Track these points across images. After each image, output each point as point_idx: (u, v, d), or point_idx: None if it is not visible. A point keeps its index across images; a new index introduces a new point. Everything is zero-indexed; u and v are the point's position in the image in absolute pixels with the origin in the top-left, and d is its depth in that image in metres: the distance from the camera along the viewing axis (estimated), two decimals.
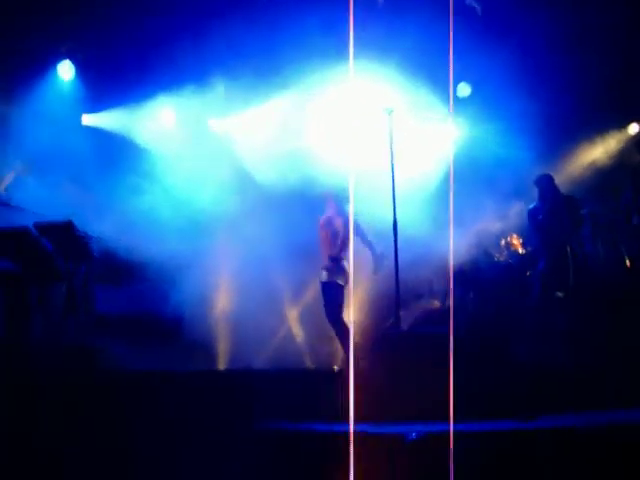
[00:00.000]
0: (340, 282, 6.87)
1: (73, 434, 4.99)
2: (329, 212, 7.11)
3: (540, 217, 7.72)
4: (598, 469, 4.20)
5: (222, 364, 7.75)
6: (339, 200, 7.05)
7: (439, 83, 7.68)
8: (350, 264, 6.00)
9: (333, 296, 6.86)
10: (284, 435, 4.77)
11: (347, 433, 3.78)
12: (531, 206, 7.94)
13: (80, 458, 4.87)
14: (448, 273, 8.43)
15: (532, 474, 4.13)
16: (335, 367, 7.08)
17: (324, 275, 6.94)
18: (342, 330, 6.80)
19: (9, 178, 7.21)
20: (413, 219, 7.49)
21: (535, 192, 8.16)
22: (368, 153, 7.19)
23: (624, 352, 6.23)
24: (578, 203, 8.04)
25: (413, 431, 3.85)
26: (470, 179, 7.84)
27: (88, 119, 8.65)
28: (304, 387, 5.58)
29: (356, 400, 3.79)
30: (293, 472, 4.53)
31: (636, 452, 4.33)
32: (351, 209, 3.84)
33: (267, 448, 4.74)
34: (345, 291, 6.87)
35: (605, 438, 4.41)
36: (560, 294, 7.81)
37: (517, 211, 8.63)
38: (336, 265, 6.90)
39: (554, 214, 7.69)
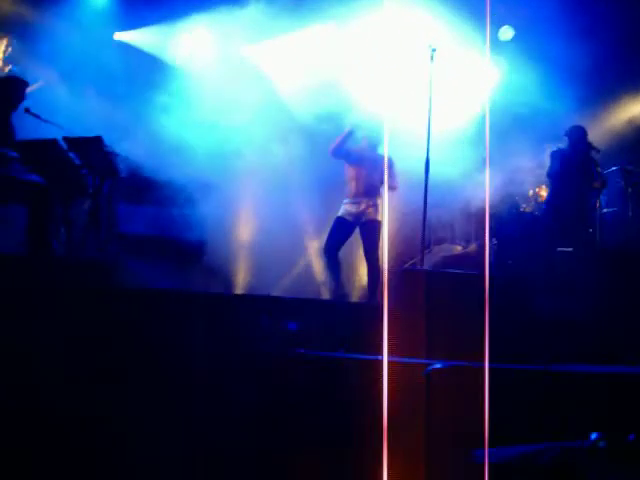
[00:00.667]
0: (346, 218, 6.84)
1: (83, 346, 5.03)
2: (359, 147, 7.02)
3: (566, 163, 7.46)
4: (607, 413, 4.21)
5: (240, 290, 7.79)
6: (371, 137, 6.98)
7: (483, 23, 7.47)
8: (385, 203, 5.95)
9: (331, 230, 6.88)
10: (296, 359, 4.80)
11: (368, 360, 3.80)
12: (555, 150, 7.63)
13: (89, 371, 4.93)
14: (473, 218, 8.46)
15: (546, 413, 4.16)
16: (350, 299, 7.13)
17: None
18: (329, 265, 6.78)
19: (39, 84, 7.14)
20: (443, 161, 7.40)
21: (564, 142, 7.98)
22: (404, 90, 7.08)
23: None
24: (598, 162, 7.77)
25: (437, 363, 3.86)
26: (505, 125, 7.71)
27: (121, 35, 8.53)
28: (321, 317, 5.59)
29: (376, 334, 3.80)
30: (305, 397, 4.58)
31: None
32: (386, 147, 3.78)
33: (276, 372, 4.79)
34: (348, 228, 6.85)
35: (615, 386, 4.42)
36: (573, 249, 7.71)
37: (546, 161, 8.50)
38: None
39: (581, 166, 7.47)
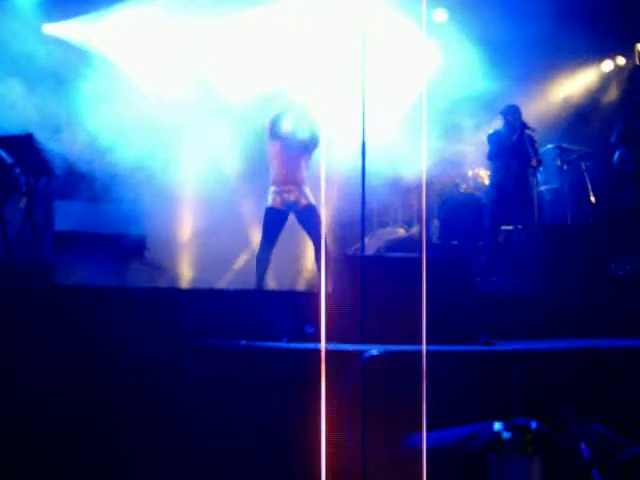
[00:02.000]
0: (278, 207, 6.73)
1: (27, 350, 4.94)
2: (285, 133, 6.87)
3: (504, 144, 7.56)
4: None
5: (183, 284, 7.72)
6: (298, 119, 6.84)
7: (416, 6, 7.51)
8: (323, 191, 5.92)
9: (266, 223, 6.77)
10: (236, 351, 4.79)
11: (307, 350, 3.80)
12: (493, 131, 7.72)
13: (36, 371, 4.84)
14: (414, 201, 8.53)
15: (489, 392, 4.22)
16: (297, 288, 7.10)
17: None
18: (260, 262, 6.72)
19: None
20: (381, 146, 7.41)
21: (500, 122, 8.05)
22: (336, 75, 7.06)
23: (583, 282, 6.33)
24: (536, 140, 7.88)
25: (375, 349, 3.87)
26: (441, 108, 7.77)
27: (49, 28, 8.31)
28: (261, 307, 5.56)
29: (318, 321, 3.79)
30: (246, 389, 4.57)
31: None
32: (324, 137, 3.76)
33: (217, 365, 4.77)
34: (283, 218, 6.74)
35: (559, 361, 4.51)
36: (517, 227, 7.84)
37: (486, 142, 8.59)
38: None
39: (519, 145, 7.57)
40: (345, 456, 3.57)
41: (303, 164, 6.77)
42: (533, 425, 3.22)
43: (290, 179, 6.72)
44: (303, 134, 6.77)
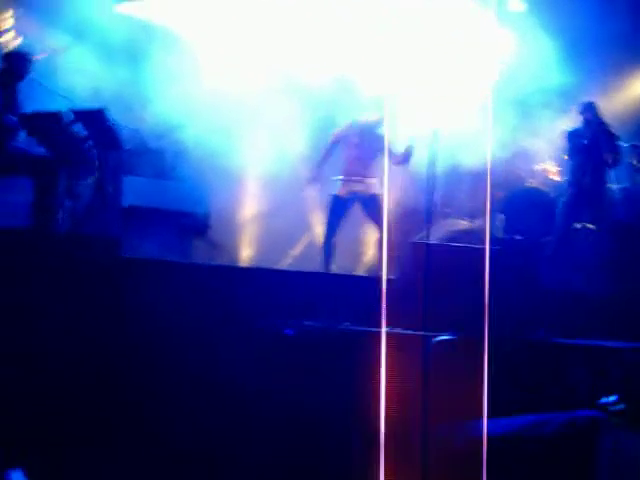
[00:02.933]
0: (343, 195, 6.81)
1: (90, 320, 5.04)
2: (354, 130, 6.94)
3: (581, 141, 7.48)
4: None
5: (244, 264, 7.78)
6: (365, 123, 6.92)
7: None
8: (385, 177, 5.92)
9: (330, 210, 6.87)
10: (299, 332, 4.81)
11: (371, 332, 3.78)
12: (571, 129, 7.65)
13: (94, 343, 4.94)
14: (479, 194, 8.40)
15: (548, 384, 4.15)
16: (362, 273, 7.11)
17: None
18: (325, 249, 6.74)
19: (44, 54, 7.09)
20: (450, 135, 7.32)
21: (577, 119, 7.93)
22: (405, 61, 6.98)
23: None
24: (617, 136, 7.75)
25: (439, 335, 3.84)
26: (514, 99, 7.65)
27: (121, 7, 8.43)
28: (326, 290, 5.58)
29: (382, 306, 3.77)
30: (307, 370, 4.58)
31: None
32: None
33: (279, 345, 4.79)
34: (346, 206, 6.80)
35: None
36: (588, 225, 7.70)
37: (556, 139, 8.43)
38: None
39: (596, 142, 7.46)
40: (406, 442, 3.55)
41: (373, 159, 6.86)
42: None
43: (360, 172, 6.86)
44: (371, 130, 6.83)
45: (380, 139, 6.78)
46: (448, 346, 3.74)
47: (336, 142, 7.07)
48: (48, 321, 4.94)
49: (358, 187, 6.88)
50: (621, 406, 3.10)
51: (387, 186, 5.26)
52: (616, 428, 3.09)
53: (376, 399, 3.26)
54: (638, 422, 3.12)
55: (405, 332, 4.01)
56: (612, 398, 3.15)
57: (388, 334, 3.25)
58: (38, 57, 6.74)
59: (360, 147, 6.93)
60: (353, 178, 6.90)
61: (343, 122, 7.18)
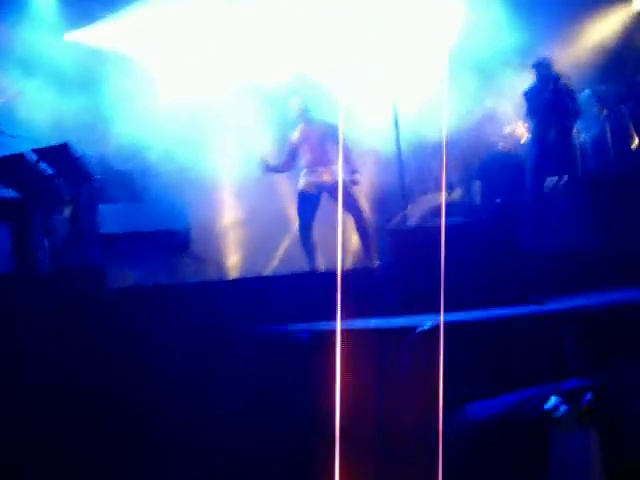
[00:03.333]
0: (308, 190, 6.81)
1: (83, 356, 5.04)
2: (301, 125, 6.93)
3: (540, 98, 7.46)
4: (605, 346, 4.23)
5: (231, 274, 7.79)
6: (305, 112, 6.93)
7: None
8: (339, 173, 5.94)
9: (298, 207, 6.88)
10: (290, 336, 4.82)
11: (360, 330, 3.80)
12: (528, 87, 7.60)
13: (91, 376, 4.94)
14: (452, 165, 8.43)
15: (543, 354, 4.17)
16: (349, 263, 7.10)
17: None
18: (305, 246, 6.77)
19: None
20: (412, 112, 7.35)
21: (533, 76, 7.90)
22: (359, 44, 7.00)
23: (630, 233, 6.20)
24: (573, 90, 7.72)
25: (427, 322, 3.86)
26: (470, 66, 7.65)
27: (71, 35, 8.40)
28: (311, 288, 5.58)
29: (366, 297, 3.79)
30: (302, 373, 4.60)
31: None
32: (340, 117, 3.76)
33: (274, 352, 4.80)
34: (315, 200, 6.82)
35: (612, 316, 4.43)
36: (558, 179, 7.72)
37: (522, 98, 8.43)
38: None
39: (556, 96, 7.45)
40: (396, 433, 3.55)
41: (329, 145, 6.85)
42: (587, 396, 3.16)
43: (318, 161, 6.82)
44: (313, 122, 6.84)
45: (325, 131, 6.79)
46: (430, 335, 3.75)
47: (291, 148, 7.05)
48: (37, 363, 4.93)
49: (321, 178, 6.84)
50: (564, 409, 3.10)
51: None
52: (564, 424, 3.10)
53: (370, 396, 3.28)
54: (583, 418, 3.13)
55: (390, 325, 4.02)
56: (553, 401, 3.14)
57: (357, 331, 3.25)
58: None
59: (311, 139, 6.90)
60: (315, 169, 6.87)
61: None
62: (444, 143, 4.23)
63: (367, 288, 4.40)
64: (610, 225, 6.38)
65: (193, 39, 8.33)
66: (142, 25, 8.37)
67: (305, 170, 6.91)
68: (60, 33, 8.26)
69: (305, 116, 6.92)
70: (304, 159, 6.91)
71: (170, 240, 7.55)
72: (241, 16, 8.31)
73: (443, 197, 5.11)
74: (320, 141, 6.86)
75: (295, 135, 7.02)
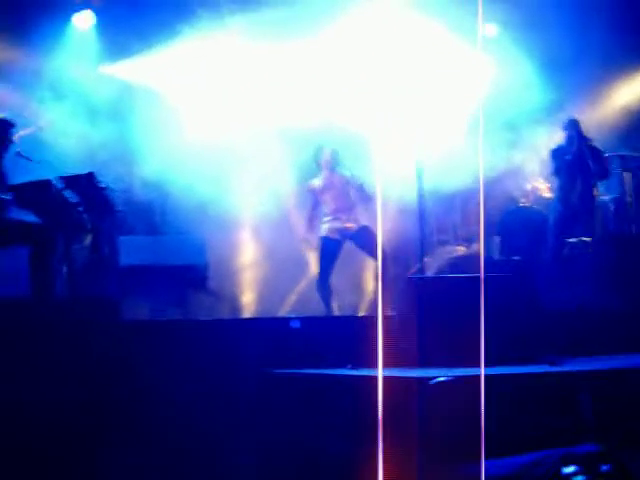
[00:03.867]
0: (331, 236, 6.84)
1: (98, 386, 5.04)
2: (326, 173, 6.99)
3: (565, 158, 7.52)
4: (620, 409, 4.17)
5: (246, 313, 7.79)
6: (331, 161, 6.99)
7: (465, 23, 7.50)
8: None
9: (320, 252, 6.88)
10: (302, 380, 4.80)
11: (372, 377, 3.78)
12: (555, 147, 7.67)
13: (100, 406, 4.94)
14: (473, 218, 8.43)
15: (558, 415, 4.11)
16: (361, 314, 7.08)
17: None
18: (321, 291, 6.78)
19: (31, 130, 7.17)
20: (437, 163, 7.39)
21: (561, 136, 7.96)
22: (389, 96, 7.06)
23: None
24: (602, 150, 7.77)
25: (441, 375, 3.82)
26: (497, 121, 7.71)
27: (105, 68, 8.56)
28: (329, 333, 5.58)
29: (384, 346, 3.77)
30: (312, 418, 4.57)
31: None
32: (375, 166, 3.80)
33: (284, 395, 4.78)
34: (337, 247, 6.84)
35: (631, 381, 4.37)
36: (583, 239, 7.70)
37: (545, 156, 8.47)
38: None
39: (581, 158, 7.50)
40: None
41: (352, 192, 6.90)
42: (605, 466, 3.10)
43: (340, 207, 6.86)
44: (337, 171, 6.91)
45: (347, 182, 6.87)
46: (447, 386, 3.71)
47: (314, 196, 7.09)
48: (49, 388, 4.93)
49: (345, 224, 6.89)
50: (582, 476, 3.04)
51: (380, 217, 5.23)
52: None
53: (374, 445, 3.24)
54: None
55: (402, 374, 3.99)
56: (570, 469, 3.08)
57: (385, 378, 3.23)
58: (25, 132, 6.80)
59: (335, 187, 6.96)
60: (338, 216, 6.91)
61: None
62: (481, 192, 4.23)
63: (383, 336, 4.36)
64: (630, 286, 6.33)
65: (223, 79, 8.47)
66: (175, 63, 8.52)
67: (329, 217, 6.93)
68: (95, 65, 8.42)
69: (332, 165, 6.98)
70: (327, 206, 6.98)
71: (187, 275, 7.58)
72: (273, 59, 8.45)
73: (481, 248, 5.08)
74: (343, 188, 6.94)
75: (317, 183, 7.06)
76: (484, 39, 8.63)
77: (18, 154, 6.63)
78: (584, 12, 8.49)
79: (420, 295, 5.11)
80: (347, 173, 7.02)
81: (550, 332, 5.56)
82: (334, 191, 6.97)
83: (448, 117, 8.20)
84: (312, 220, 7.12)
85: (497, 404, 3.50)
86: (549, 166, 7.71)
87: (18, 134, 6.61)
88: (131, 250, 7.45)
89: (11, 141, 6.55)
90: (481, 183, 4.85)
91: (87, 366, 5.14)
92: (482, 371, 3.11)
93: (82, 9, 8.39)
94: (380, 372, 3.05)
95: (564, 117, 7.91)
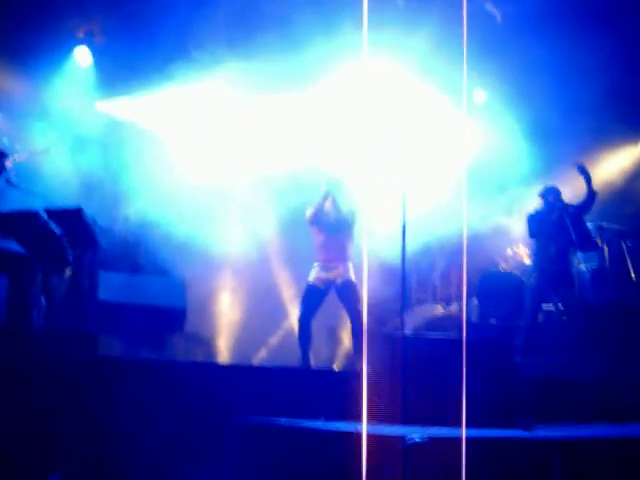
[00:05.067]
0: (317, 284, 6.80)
1: (70, 420, 5.00)
2: (324, 211, 6.96)
3: (544, 224, 7.49)
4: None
5: (222, 357, 7.76)
6: (335, 199, 6.96)
7: (455, 88, 7.69)
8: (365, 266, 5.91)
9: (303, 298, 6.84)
10: (275, 430, 4.77)
11: (346, 432, 3.79)
12: (532, 212, 7.61)
13: (76, 442, 4.89)
14: (453, 279, 8.53)
15: None
16: (335, 366, 7.05)
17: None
18: (300, 335, 6.74)
19: (21, 157, 7.19)
20: (421, 224, 7.49)
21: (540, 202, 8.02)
22: (380, 154, 7.20)
23: (629, 364, 6.22)
24: (584, 217, 7.84)
25: (415, 434, 3.84)
26: (481, 186, 7.85)
27: (102, 105, 8.66)
28: (302, 384, 5.58)
29: (357, 401, 3.79)
30: (284, 469, 4.54)
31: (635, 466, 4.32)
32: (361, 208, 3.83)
33: (255, 443, 4.75)
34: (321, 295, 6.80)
35: (604, 451, 4.40)
36: (558, 306, 7.76)
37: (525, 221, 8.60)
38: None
39: (561, 225, 7.51)
40: None
41: (346, 242, 6.85)
42: None
43: (332, 257, 6.80)
44: (339, 211, 6.88)
45: (346, 221, 6.83)
46: (424, 446, 3.72)
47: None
48: (21, 421, 4.88)
49: (332, 274, 6.80)
50: None
51: (366, 272, 5.24)
52: None
53: None
54: None
55: (379, 431, 4.00)
56: None
57: (358, 434, 3.24)
58: (18, 159, 6.82)
59: (327, 231, 6.88)
60: (327, 264, 6.82)
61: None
62: (464, 253, 4.30)
63: (354, 392, 4.37)
64: (606, 354, 6.40)
65: (212, 121, 8.60)
66: (167, 103, 8.65)
67: (317, 263, 6.87)
68: (90, 99, 8.50)
69: (318, 220, 6.92)
70: (320, 251, 6.86)
71: (165, 316, 7.56)
72: (263, 105, 8.60)
73: (463, 312, 5.13)
74: (336, 237, 6.85)
75: (312, 231, 7.00)
76: (474, 104, 8.89)
77: (7, 182, 6.65)
78: (571, 84, 8.74)
79: (399, 353, 5.14)
80: (339, 212, 6.92)
81: (525, 397, 5.60)
82: (331, 233, 6.88)
83: (435, 175, 8.34)
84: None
85: (470, 466, 3.52)
86: (527, 230, 7.69)
87: (11, 160, 6.64)
88: (111, 286, 7.43)
89: (1, 169, 6.57)
90: (464, 245, 4.93)
91: (58, 400, 5.09)
92: (464, 433, 3.13)
93: (83, 44, 8.51)
94: (364, 429, 3.05)
95: (547, 184, 8.02)
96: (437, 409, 4.37)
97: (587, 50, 8.51)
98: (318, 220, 6.90)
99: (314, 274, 6.82)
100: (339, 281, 6.77)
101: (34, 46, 7.97)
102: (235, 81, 8.39)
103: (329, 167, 7.54)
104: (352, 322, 6.79)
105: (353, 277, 6.80)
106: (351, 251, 6.85)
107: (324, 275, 6.78)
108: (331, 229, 6.85)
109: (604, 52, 8.43)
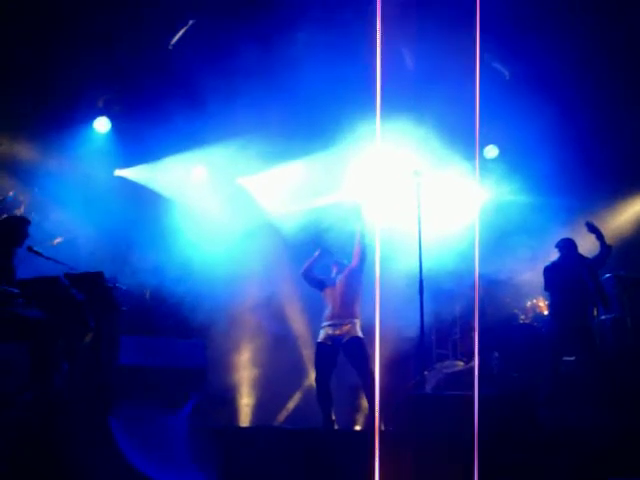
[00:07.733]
0: (327, 343, 6.74)
1: None
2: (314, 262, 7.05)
3: (560, 276, 7.46)
4: None
5: (242, 420, 7.73)
6: (340, 262, 7.01)
7: (467, 145, 7.80)
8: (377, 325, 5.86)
9: (315, 359, 6.79)
10: None
11: None
12: (549, 264, 7.61)
13: None
14: (472, 334, 8.48)
15: None
16: (357, 427, 6.97)
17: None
18: (319, 397, 6.66)
19: (58, 240, 7.37)
20: (437, 279, 7.51)
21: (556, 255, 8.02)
22: (394, 214, 7.26)
23: None
24: (598, 269, 7.80)
25: None
26: (497, 239, 7.88)
27: (120, 172, 8.85)
28: (324, 447, 5.53)
29: (380, 463, 3.77)
30: None
31: None
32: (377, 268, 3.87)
33: None
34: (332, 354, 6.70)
35: None
36: (576, 359, 7.69)
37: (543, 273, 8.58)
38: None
39: (577, 276, 7.49)
40: None
41: (354, 299, 6.80)
42: None
43: (336, 314, 6.75)
44: (344, 271, 6.90)
45: (352, 276, 6.81)
46: None
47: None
48: None
49: (338, 331, 6.70)
50: None
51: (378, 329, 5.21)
52: None
53: None
54: None
55: None
56: None
57: None
58: (55, 242, 6.98)
59: (334, 292, 6.86)
60: (334, 322, 6.74)
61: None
62: (476, 315, 4.31)
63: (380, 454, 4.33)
64: (628, 406, 6.32)
65: (222, 185, 8.75)
66: (179, 169, 8.83)
67: (327, 322, 6.82)
68: (110, 167, 8.70)
69: (338, 265, 6.95)
70: (328, 309, 6.84)
71: (184, 377, 7.56)
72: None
73: (476, 367, 5.10)
74: (343, 295, 6.81)
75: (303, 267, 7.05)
76: (485, 160, 8.99)
77: (29, 249, 6.77)
78: (580, 137, 8.82)
79: (419, 412, 5.11)
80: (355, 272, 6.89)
81: (548, 451, 5.53)
82: (337, 292, 6.84)
83: (448, 234, 8.38)
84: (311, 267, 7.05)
85: None
86: (544, 282, 7.68)
87: (57, 241, 6.78)
88: (132, 349, 7.46)
89: (24, 236, 6.70)
90: (476, 296, 4.93)
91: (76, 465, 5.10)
92: None
93: (102, 115, 8.74)
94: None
95: (567, 235, 8.01)
96: (455, 469, 4.33)
97: (598, 103, 8.65)
98: (318, 283, 6.95)
99: (322, 332, 6.78)
100: (345, 338, 6.65)
101: (58, 118, 8.19)
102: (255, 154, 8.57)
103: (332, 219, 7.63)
104: (363, 382, 6.63)
105: (359, 334, 6.69)
106: (359, 309, 6.79)
107: (331, 332, 6.71)
108: (337, 288, 6.84)
109: (613, 106, 8.55)
